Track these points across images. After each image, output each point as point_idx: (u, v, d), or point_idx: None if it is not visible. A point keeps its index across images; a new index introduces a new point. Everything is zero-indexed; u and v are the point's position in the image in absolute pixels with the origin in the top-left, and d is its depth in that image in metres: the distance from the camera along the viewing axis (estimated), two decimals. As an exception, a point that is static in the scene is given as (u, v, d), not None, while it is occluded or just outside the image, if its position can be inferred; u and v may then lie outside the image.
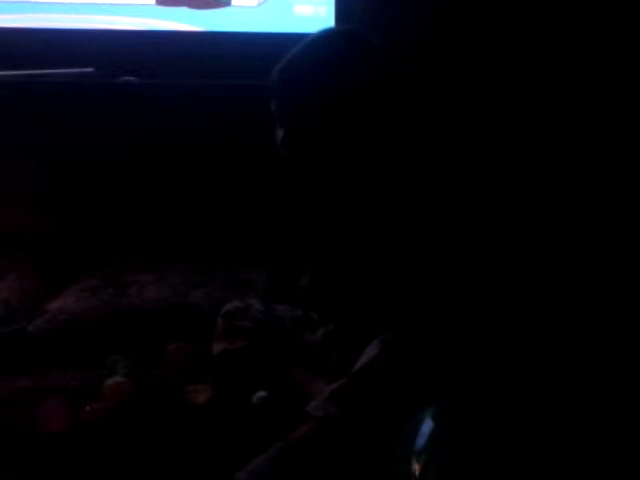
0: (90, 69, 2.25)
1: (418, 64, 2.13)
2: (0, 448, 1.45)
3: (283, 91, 1.51)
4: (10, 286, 2.06)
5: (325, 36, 1.54)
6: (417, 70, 2.10)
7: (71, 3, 2.31)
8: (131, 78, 2.26)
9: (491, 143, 2.17)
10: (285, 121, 1.52)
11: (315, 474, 1.27)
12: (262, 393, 1.48)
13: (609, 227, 2.03)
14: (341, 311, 1.56)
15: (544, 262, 1.91)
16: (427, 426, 1.19)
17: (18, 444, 1.46)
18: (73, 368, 1.75)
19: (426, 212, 1.49)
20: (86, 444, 1.45)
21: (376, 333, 1.37)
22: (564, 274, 1.88)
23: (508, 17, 2.16)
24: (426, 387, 1.31)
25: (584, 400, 1.45)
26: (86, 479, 1.37)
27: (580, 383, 1.50)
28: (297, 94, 1.49)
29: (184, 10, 2.28)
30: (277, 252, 1.76)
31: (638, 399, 1.45)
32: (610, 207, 2.08)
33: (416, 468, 1.15)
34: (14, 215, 2.32)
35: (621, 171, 2.11)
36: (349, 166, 1.51)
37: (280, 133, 1.52)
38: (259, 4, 2.28)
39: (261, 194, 2.22)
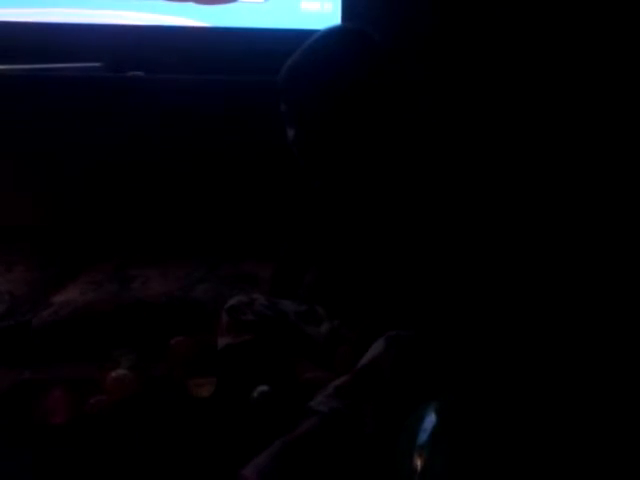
0: (97, 64, 2.26)
1: (423, 60, 2.13)
2: (5, 440, 1.45)
3: (291, 91, 1.51)
4: (16, 279, 2.06)
5: (330, 35, 1.55)
6: (421, 67, 2.11)
7: (79, -2, 2.32)
8: (138, 73, 2.26)
9: (494, 143, 2.17)
10: (295, 121, 1.52)
11: (319, 469, 1.28)
12: (263, 387, 1.48)
13: (609, 227, 2.03)
14: (348, 307, 1.57)
15: (546, 263, 1.92)
16: (429, 421, 1.19)
17: (22, 436, 1.46)
18: (77, 361, 1.76)
19: (432, 211, 1.50)
20: (90, 436, 1.45)
21: (382, 330, 1.38)
22: (565, 274, 1.88)
23: (511, 15, 2.16)
24: (429, 384, 1.32)
25: (584, 398, 1.45)
26: (90, 471, 1.37)
27: (580, 381, 1.50)
28: (305, 94, 1.49)
29: (191, 6, 2.28)
30: (285, 247, 1.76)
31: (638, 399, 1.45)
32: (610, 207, 2.08)
33: (418, 463, 1.15)
34: (20, 208, 2.33)
35: (621, 171, 2.11)
36: (359, 164, 1.52)
37: (291, 133, 1.53)
38: (266, 0, 2.28)
39: (266, 189, 2.22)
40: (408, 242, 1.48)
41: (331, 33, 1.56)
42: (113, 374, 1.59)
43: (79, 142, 2.25)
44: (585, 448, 1.32)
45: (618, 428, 1.38)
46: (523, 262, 1.86)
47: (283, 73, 1.52)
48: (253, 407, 1.47)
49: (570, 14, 2.12)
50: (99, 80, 2.25)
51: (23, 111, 2.22)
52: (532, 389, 1.45)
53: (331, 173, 1.56)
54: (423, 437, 1.17)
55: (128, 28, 2.30)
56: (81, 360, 1.75)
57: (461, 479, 1.15)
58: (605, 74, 2.13)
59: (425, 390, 1.29)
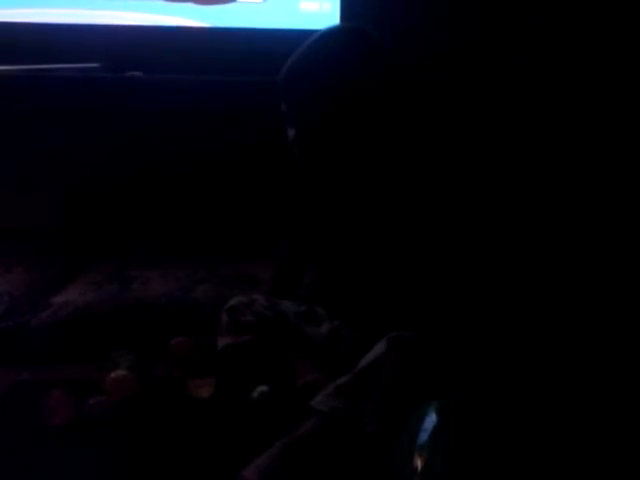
0: (96, 64, 2.26)
1: (422, 60, 2.13)
2: (4, 440, 1.45)
3: (291, 91, 1.51)
4: (15, 279, 2.06)
5: (330, 35, 1.54)
6: (421, 67, 2.11)
7: (78, -2, 2.32)
8: (137, 73, 2.26)
9: (494, 143, 2.17)
10: (295, 121, 1.52)
11: (319, 469, 1.28)
12: (263, 388, 1.48)
13: (609, 227, 2.03)
14: (348, 307, 1.57)
15: (546, 263, 1.92)
16: (430, 421, 1.19)
17: (22, 437, 1.46)
18: (76, 361, 1.76)
19: (432, 211, 1.49)
20: (89, 437, 1.45)
21: (383, 331, 1.38)
22: (565, 275, 1.88)
23: (512, 14, 2.16)
24: (430, 384, 1.32)
25: (584, 398, 1.45)
26: (89, 472, 1.37)
27: (580, 381, 1.50)
28: (305, 94, 1.49)
29: (190, 6, 2.28)
30: (285, 248, 1.76)
31: (638, 399, 1.46)
32: (610, 207, 2.08)
33: (419, 463, 1.15)
34: (20, 209, 2.33)
35: (621, 171, 2.11)
36: (359, 164, 1.52)
37: (291, 133, 1.53)
38: (265, 0, 2.28)
39: (265, 190, 2.22)
40: (409, 242, 1.48)
41: (331, 33, 1.55)
42: (112, 375, 1.59)
43: (78, 143, 2.25)
44: (585, 448, 1.32)
45: (618, 428, 1.38)
46: (523, 263, 1.86)
47: (283, 73, 1.52)
48: (253, 407, 1.47)
49: (570, 13, 2.13)
50: (98, 80, 2.25)
51: (22, 112, 2.22)
52: (532, 389, 1.45)
53: (332, 173, 1.56)
54: (423, 437, 1.17)
55: (127, 28, 2.30)
56: (80, 361, 1.75)
57: (461, 479, 1.15)
58: (605, 74, 2.13)
59: (426, 390, 1.29)
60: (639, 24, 2.10)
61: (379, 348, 1.34)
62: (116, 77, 2.27)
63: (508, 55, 2.16)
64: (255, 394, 1.48)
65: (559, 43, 2.14)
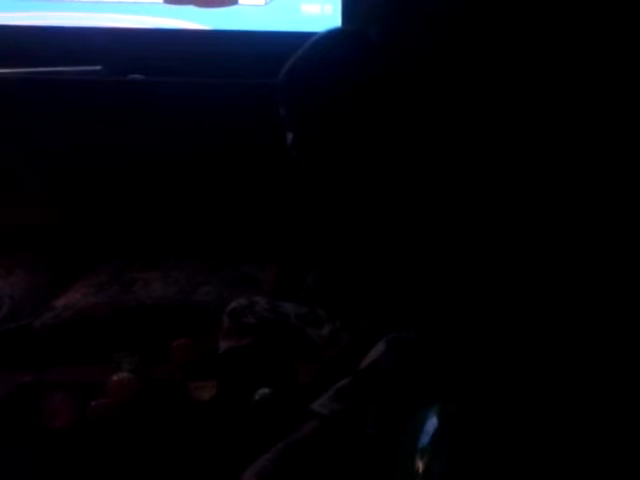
0: (98, 67, 2.26)
1: (423, 61, 2.13)
2: (6, 443, 1.45)
3: (289, 95, 1.52)
4: (17, 282, 2.06)
5: (328, 38, 1.55)
6: (422, 68, 2.11)
7: (79, 1, 2.32)
8: (138, 76, 2.26)
9: (497, 145, 2.16)
10: (294, 124, 1.53)
11: (320, 472, 1.28)
12: (264, 390, 1.48)
13: (610, 227, 2.03)
14: (349, 308, 1.57)
15: (547, 266, 1.92)
16: (431, 424, 1.19)
17: (23, 439, 1.46)
18: (79, 364, 1.76)
19: (433, 212, 1.50)
20: (91, 439, 1.45)
21: (383, 332, 1.38)
22: (566, 277, 1.88)
23: (512, 18, 2.16)
24: (431, 387, 1.32)
25: (585, 400, 1.45)
26: (91, 474, 1.37)
27: (582, 384, 1.50)
28: (303, 97, 1.50)
29: (191, 9, 2.28)
30: (286, 249, 1.76)
31: (638, 399, 1.45)
32: (610, 207, 2.08)
33: (420, 466, 1.15)
34: (21, 212, 2.33)
35: (621, 171, 2.10)
36: (358, 165, 1.53)
37: (289, 136, 1.54)
38: (266, 3, 2.28)
39: (266, 191, 2.22)
40: (409, 243, 1.48)
41: (329, 36, 1.56)
42: (114, 377, 1.59)
43: (79, 145, 2.25)
44: (587, 450, 1.32)
45: (620, 431, 1.38)
46: (525, 265, 1.86)
47: (281, 76, 1.52)
48: (254, 410, 1.47)
49: (577, 15, 2.12)
50: (99, 83, 2.25)
51: (23, 114, 2.22)
52: (534, 392, 1.45)
53: (331, 175, 1.57)
54: (425, 440, 1.17)
55: (128, 31, 2.30)
56: (82, 363, 1.76)
57: (463, 482, 1.15)
58: (606, 75, 2.13)
59: (426, 392, 1.29)
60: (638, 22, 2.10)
61: (378, 349, 1.34)
62: (117, 80, 2.27)
63: (510, 55, 2.16)
64: (256, 396, 1.48)
65: (560, 42, 2.14)
